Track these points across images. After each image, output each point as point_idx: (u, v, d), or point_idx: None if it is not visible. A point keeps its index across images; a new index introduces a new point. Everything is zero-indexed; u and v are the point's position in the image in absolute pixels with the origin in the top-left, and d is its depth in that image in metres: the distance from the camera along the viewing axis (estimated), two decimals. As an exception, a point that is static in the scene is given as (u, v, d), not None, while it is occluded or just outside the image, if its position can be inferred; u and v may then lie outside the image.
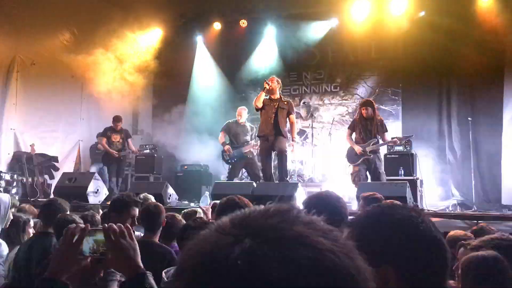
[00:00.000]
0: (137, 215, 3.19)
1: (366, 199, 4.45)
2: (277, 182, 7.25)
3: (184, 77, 11.28)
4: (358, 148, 7.10)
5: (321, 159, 9.44)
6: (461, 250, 2.32)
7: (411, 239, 1.07)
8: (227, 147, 8.07)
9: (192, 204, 7.61)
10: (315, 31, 10.48)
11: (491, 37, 8.70)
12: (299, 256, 0.54)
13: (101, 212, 4.84)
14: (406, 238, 1.07)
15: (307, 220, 0.61)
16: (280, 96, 7.36)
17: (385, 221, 1.11)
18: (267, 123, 7.21)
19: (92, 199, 7.45)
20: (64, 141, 10.27)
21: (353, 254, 0.59)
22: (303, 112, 10.19)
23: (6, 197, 3.64)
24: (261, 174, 7.65)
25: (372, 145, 7.08)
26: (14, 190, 8.60)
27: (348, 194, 7.38)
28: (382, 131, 7.19)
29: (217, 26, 11.22)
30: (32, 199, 7.86)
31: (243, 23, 10.96)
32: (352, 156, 7.25)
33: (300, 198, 5.95)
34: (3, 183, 8.54)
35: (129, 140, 9.19)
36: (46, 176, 9.34)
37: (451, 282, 2.32)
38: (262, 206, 0.64)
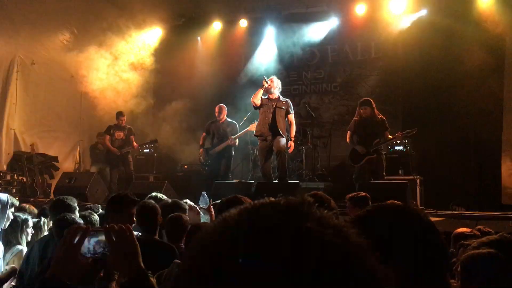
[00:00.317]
0: (135, 213, 3.19)
1: (352, 200, 4.42)
2: (276, 181, 7.25)
3: (183, 77, 11.26)
4: (361, 148, 7.08)
5: (321, 159, 9.45)
6: (461, 250, 2.32)
7: (411, 238, 1.08)
8: (201, 150, 8.28)
9: (192, 204, 7.60)
10: (315, 30, 10.48)
11: (491, 37, 8.70)
12: (309, 254, 0.52)
13: (100, 211, 4.84)
14: (405, 237, 1.07)
15: (318, 216, 0.58)
16: (278, 96, 7.36)
17: (385, 220, 1.11)
18: (265, 123, 7.21)
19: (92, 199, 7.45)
20: (64, 141, 10.27)
21: (365, 252, 0.57)
22: (303, 112, 10.18)
23: (4, 196, 3.64)
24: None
25: (374, 144, 7.04)
26: (14, 190, 8.60)
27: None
28: (383, 130, 7.13)
29: (216, 25, 11.21)
30: (32, 199, 7.86)
31: (243, 22, 10.96)
32: (355, 157, 7.22)
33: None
34: (3, 183, 8.53)
35: (132, 137, 9.15)
36: (46, 176, 9.34)
37: (452, 281, 2.32)
38: (271, 199, 0.61)
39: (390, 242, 1.05)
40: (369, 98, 7.45)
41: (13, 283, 3.38)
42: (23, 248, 3.79)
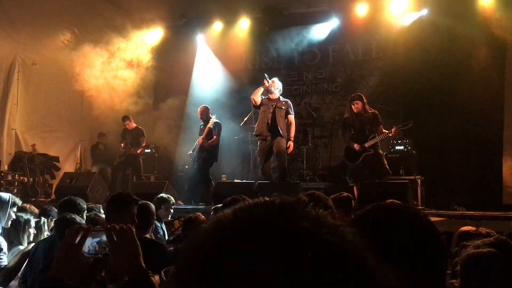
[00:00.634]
0: (136, 213, 3.18)
1: (335, 200, 4.33)
2: (276, 182, 7.24)
3: (184, 77, 11.28)
4: (356, 145, 6.95)
5: (322, 159, 9.45)
6: (463, 250, 2.32)
7: (410, 238, 1.08)
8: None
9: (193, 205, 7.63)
10: (316, 30, 10.48)
11: (492, 36, 8.68)
12: (304, 253, 0.52)
13: (102, 212, 4.85)
14: (404, 237, 1.08)
15: (314, 215, 0.57)
16: (278, 97, 7.36)
17: (384, 220, 1.12)
18: (264, 122, 7.22)
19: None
20: (65, 141, 10.29)
21: (362, 251, 0.56)
22: (304, 112, 10.18)
23: (6, 195, 3.65)
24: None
25: (370, 140, 6.91)
26: (15, 190, 8.62)
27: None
28: (377, 124, 6.98)
29: (217, 25, 11.22)
30: (33, 199, 7.88)
31: (244, 22, 10.96)
32: (351, 155, 7.10)
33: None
34: (4, 183, 8.55)
35: (141, 139, 9.19)
36: (47, 176, 9.36)
37: (453, 281, 2.32)
38: (266, 198, 0.60)
39: (389, 242, 1.05)
40: (359, 94, 7.35)
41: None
42: (24, 248, 3.79)
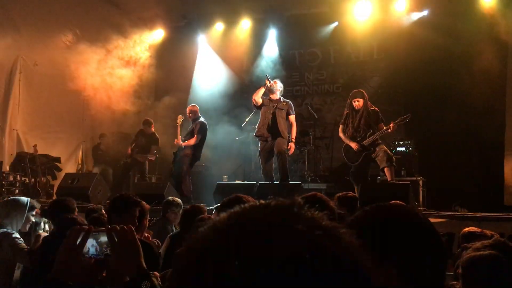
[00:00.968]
0: (137, 215, 3.19)
1: (340, 199, 4.36)
2: (277, 182, 7.24)
3: (185, 77, 11.30)
4: (354, 144, 6.84)
5: (324, 160, 9.45)
6: (464, 252, 2.32)
7: (409, 239, 1.08)
8: None
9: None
10: (317, 31, 10.48)
11: (494, 37, 8.68)
12: (298, 257, 0.52)
13: (103, 213, 4.86)
14: (403, 237, 1.07)
15: (309, 217, 0.58)
16: (279, 97, 7.36)
17: (382, 221, 1.11)
18: (265, 123, 7.22)
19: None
20: (66, 141, 10.30)
21: (358, 254, 0.56)
22: (305, 113, 10.18)
23: (24, 199, 3.71)
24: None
25: (368, 137, 6.78)
26: (16, 191, 8.63)
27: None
28: (377, 122, 6.83)
29: (219, 26, 11.23)
30: (35, 200, 7.87)
31: (245, 23, 10.97)
32: (351, 155, 7.01)
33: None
34: (6, 184, 8.56)
35: (153, 147, 9.19)
36: (49, 177, 9.37)
37: (454, 282, 2.32)
38: (262, 202, 0.61)
39: (388, 243, 1.05)
40: (360, 90, 7.18)
41: None
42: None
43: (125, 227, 1.36)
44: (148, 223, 3.54)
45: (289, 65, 10.85)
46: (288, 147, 7.22)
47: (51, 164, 9.46)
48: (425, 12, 9.39)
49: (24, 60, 9.43)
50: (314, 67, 10.90)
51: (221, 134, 9.59)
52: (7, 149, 9.13)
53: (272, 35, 10.92)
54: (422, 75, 9.16)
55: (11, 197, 4.04)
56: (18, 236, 3.60)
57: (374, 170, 7.59)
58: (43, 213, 4.59)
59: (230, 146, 9.56)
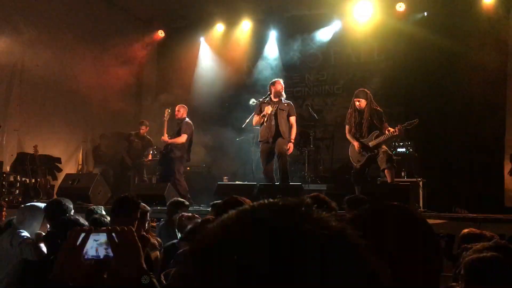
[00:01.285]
0: (137, 217, 3.21)
1: (349, 201, 4.36)
2: (278, 183, 7.24)
3: (186, 79, 11.30)
4: (357, 145, 6.82)
5: (324, 161, 9.44)
6: (465, 253, 2.32)
7: (404, 238, 1.07)
8: None
9: (194, 206, 7.62)
10: (317, 32, 10.48)
11: (494, 37, 8.69)
12: (307, 256, 0.52)
13: (103, 213, 4.86)
14: (398, 237, 1.07)
15: (317, 217, 0.58)
16: (280, 98, 7.35)
17: (380, 220, 1.12)
18: (268, 126, 7.21)
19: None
20: (67, 142, 10.30)
21: (365, 254, 0.56)
22: (305, 114, 10.17)
23: (41, 205, 3.76)
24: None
25: (374, 138, 6.75)
26: (17, 191, 8.64)
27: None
28: (380, 123, 6.77)
29: (219, 28, 11.23)
30: (35, 200, 7.88)
31: (246, 24, 10.98)
32: (356, 155, 6.98)
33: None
34: (6, 184, 8.56)
35: (149, 149, 9.24)
36: (49, 177, 9.36)
37: (454, 284, 2.32)
38: (270, 200, 0.61)
39: (382, 242, 1.05)
40: (364, 89, 7.08)
41: None
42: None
43: (125, 228, 1.36)
44: (148, 224, 3.54)
45: (289, 66, 10.85)
46: (287, 147, 7.21)
47: (51, 164, 9.46)
48: (425, 13, 9.39)
49: (25, 60, 9.43)
50: (314, 68, 10.90)
51: (222, 135, 9.60)
52: (8, 150, 9.13)
53: (272, 36, 10.93)
54: (422, 76, 9.17)
55: (28, 203, 4.07)
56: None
57: (375, 171, 7.59)
58: None
59: (231, 147, 9.56)
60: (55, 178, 9.43)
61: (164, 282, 2.20)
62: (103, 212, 4.56)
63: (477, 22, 8.80)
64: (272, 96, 7.34)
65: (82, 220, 3.30)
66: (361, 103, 6.82)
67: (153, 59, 11.04)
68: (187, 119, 8.32)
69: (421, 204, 7.16)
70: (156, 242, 4.23)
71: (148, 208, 3.76)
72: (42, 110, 9.71)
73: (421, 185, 7.45)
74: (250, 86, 10.70)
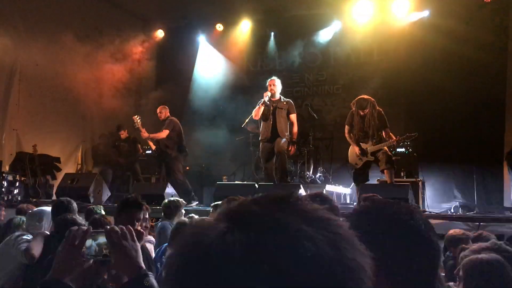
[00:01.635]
0: (142, 217, 3.23)
1: (364, 200, 4.39)
2: (277, 183, 7.23)
3: (186, 78, 11.31)
4: (357, 149, 6.81)
5: (323, 161, 9.45)
6: (463, 253, 2.32)
7: (397, 236, 1.07)
8: None
9: (194, 205, 7.62)
10: (317, 33, 10.48)
11: (494, 38, 8.69)
12: (291, 249, 0.52)
13: (103, 212, 4.86)
14: (391, 234, 1.07)
15: (304, 209, 0.58)
16: (279, 97, 7.34)
17: (374, 217, 1.11)
18: (267, 125, 7.20)
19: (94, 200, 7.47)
20: (66, 141, 10.29)
21: (352, 247, 0.56)
22: (305, 114, 10.17)
23: (49, 210, 3.77)
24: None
25: (374, 145, 6.77)
26: (16, 191, 8.63)
27: (350, 196, 7.35)
28: (382, 127, 6.76)
29: (219, 27, 11.23)
30: (34, 200, 7.88)
31: (245, 24, 10.98)
32: (354, 157, 6.99)
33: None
34: (5, 184, 8.56)
35: (138, 146, 9.29)
36: (48, 177, 9.36)
37: (451, 284, 2.32)
38: (259, 194, 0.61)
39: (374, 240, 1.04)
40: (366, 97, 6.93)
41: None
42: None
43: (124, 228, 1.36)
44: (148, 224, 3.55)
45: (289, 66, 10.86)
46: (289, 148, 7.19)
47: (50, 164, 9.45)
48: (425, 13, 9.39)
49: (25, 59, 9.42)
50: (314, 68, 10.90)
51: (221, 135, 9.60)
52: (7, 149, 9.12)
53: (272, 36, 10.93)
54: (422, 76, 9.17)
55: (36, 208, 4.09)
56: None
57: (374, 171, 7.59)
58: (19, 212, 4.64)
59: (230, 146, 9.56)
60: (54, 177, 9.43)
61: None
62: (103, 212, 4.57)
63: (477, 23, 8.81)
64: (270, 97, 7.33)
65: (80, 220, 3.30)
66: (366, 111, 6.72)
67: (153, 58, 11.02)
68: (170, 117, 8.34)
69: (420, 204, 7.17)
70: (153, 238, 4.27)
71: (149, 209, 3.76)
72: (41, 109, 9.70)
73: (421, 185, 7.46)
74: (250, 86, 10.70)
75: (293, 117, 7.28)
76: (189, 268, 0.55)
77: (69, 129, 10.32)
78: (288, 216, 0.56)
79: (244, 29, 11.04)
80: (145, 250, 3.26)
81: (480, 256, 1.96)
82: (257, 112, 7.16)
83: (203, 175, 9.92)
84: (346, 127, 7.06)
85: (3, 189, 8.37)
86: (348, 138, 7.03)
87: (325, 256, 0.53)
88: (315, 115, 9.56)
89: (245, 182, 8.64)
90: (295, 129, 7.29)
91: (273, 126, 7.14)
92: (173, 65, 11.20)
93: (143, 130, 8.09)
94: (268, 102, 7.20)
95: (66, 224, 3.04)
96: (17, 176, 8.81)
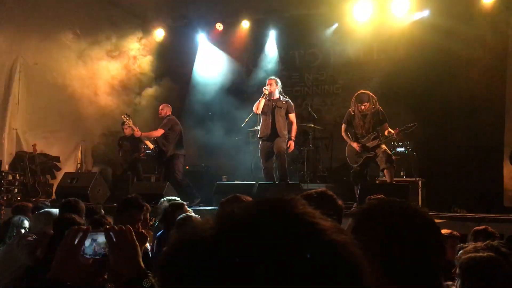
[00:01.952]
0: (142, 218, 3.24)
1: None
2: (277, 183, 7.23)
3: (185, 78, 11.30)
4: (356, 144, 6.80)
5: (323, 160, 9.45)
6: (461, 252, 2.32)
7: (409, 235, 1.07)
8: None
9: (195, 204, 7.62)
10: (317, 32, 10.48)
11: (494, 38, 8.69)
12: (287, 254, 0.52)
13: (102, 212, 4.87)
14: (403, 233, 1.07)
15: (301, 213, 0.58)
16: (279, 96, 7.34)
17: (378, 215, 1.11)
18: (267, 124, 7.21)
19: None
20: (66, 141, 10.29)
21: (348, 250, 0.56)
22: (305, 113, 10.17)
23: (55, 211, 3.77)
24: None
25: (372, 140, 6.75)
26: (16, 190, 8.63)
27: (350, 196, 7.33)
28: (381, 123, 6.76)
29: (219, 27, 11.22)
30: (33, 199, 7.88)
31: (245, 24, 10.97)
32: (352, 156, 6.99)
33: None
34: (5, 183, 8.56)
35: (140, 144, 9.26)
36: (48, 176, 9.37)
37: (449, 283, 2.32)
38: (258, 199, 0.62)
39: (377, 238, 1.04)
40: (366, 92, 7.00)
41: None
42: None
43: (123, 227, 1.36)
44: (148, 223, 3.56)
45: (289, 65, 10.86)
46: (288, 145, 7.19)
47: (50, 163, 9.46)
48: (425, 13, 9.39)
49: (24, 59, 9.42)
50: (314, 68, 10.90)
51: (220, 134, 9.60)
52: (6, 148, 9.12)
53: (272, 36, 10.92)
54: (422, 76, 9.17)
55: (43, 210, 4.09)
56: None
57: (374, 171, 7.59)
58: (15, 210, 4.64)
59: (230, 146, 9.56)
60: (54, 177, 9.43)
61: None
62: (102, 212, 4.57)
63: (477, 22, 8.80)
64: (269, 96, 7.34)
65: (78, 219, 3.30)
66: (366, 106, 6.75)
67: (152, 58, 11.01)
68: (170, 115, 8.31)
69: (420, 204, 7.16)
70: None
71: (149, 209, 3.76)
72: (41, 108, 9.70)
73: (420, 185, 7.46)
74: (249, 86, 10.70)
75: (292, 116, 7.29)
76: (174, 266, 0.56)
77: (68, 128, 10.31)
78: (281, 226, 0.56)
79: (244, 29, 11.03)
80: (144, 250, 3.26)
81: (477, 254, 1.96)
82: (257, 106, 7.18)
83: (202, 175, 9.91)
84: (343, 125, 7.09)
85: (2, 189, 8.37)
86: (344, 136, 7.04)
87: (332, 262, 0.54)
88: (314, 115, 9.55)
89: (244, 182, 8.64)
90: (294, 128, 7.30)
91: (272, 124, 7.15)
92: (173, 65, 11.19)
93: (136, 129, 8.07)
94: (268, 98, 7.21)
95: (65, 224, 3.03)
96: (17, 175, 8.82)
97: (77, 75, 9.75)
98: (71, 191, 7.15)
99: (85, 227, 1.35)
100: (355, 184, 7.02)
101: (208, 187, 8.49)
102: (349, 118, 7.02)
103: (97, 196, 7.76)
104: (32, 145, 8.97)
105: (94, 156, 10.37)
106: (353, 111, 6.95)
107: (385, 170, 6.72)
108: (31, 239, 3.54)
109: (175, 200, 5.17)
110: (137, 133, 8.06)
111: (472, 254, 1.99)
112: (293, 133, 7.28)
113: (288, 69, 10.83)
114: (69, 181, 8.12)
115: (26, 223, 4.04)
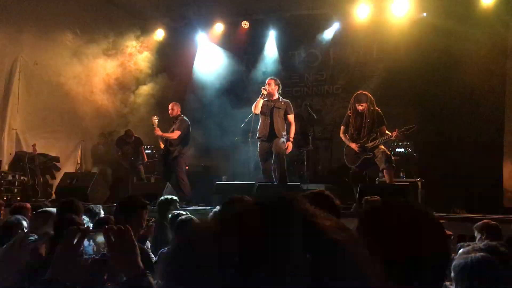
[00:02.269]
0: (144, 218, 3.24)
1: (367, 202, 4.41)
2: (276, 183, 7.22)
3: (185, 78, 11.30)
4: (354, 145, 6.80)
5: (323, 161, 9.45)
6: (460, 251, 2.33)
7: (413, 236, 1.07)
8: None
9: (191, 207, 7.62)
10: (317, 32, 10.48)
11: (493, 38, 8.69)
12: (288, 253, 0.53)
13: (102, 212, 4.86)
14: (408, 234, 1.07)
15: (299, 211, 0.59)
16: (278, 97, 7.33)
17: (382, 215, 1.11)
18: (266, 124, 7.20)
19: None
20: (65, 141, 10.28)
21: (348, 252, 0.56)
22: (304, 113, 10.17)
23: (54, 210, 3.78)
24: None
25: (371, 141, 6.76)
26: (15, 190, 8.63)
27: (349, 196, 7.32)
28: (380, 125, 6.76)
29: (219, 27, 11.22)
30: (33, 199, 7.88)
31: (245, 24, 10.97)
32: (351, 157, 6.97)
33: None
34: (4, 183, 8.56)
35: (141, 148, 9.30)
36: (48, 176, 9.36)
37: (447, 283, 2.32)
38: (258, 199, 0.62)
39: (384, 239, 1.04)
40: (365, 92, 7.02)
41: None
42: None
43: (122, 227, 1.36)
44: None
45: (288, 65, 10.85)
46: (286, 146, 7.18)
47: (50, 163, 9.45)
48: (424, 13, 9.39)
49: (24, 59, 9.41)
50: (313, 68, 10.90)
51: (220, 134, 9.59)
52: (6, 149, 9.11)
53: (272, 36, 10.92)
54: (421, 76, 9.18)
55: (41, 209, 4.08)
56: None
57: (373, 171, 7.59)
58: (13, 211, 4.64)
59: (229, 146, 9.55)
60: (53, 177, 9.43)
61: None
62: (101, 212, 4.56)
63: (477, 23, 8.80)
64: (268, 97, 7.33)
65: (78, 219, 3.30)
66: (363, 106, 6.74)
67: (152, 58, 11.01)
68: (182, 116, 8.30)
69: (419, 204, 7.15)
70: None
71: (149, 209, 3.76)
72: (40, 109, 9.69)
73: (420, 186, 7.45)
74: (249, 86, 10.70)
75: (291, 117, 7.28)
76: (176, 267, 0.56)
77: (68, 128, 10.30)
78: (282, 225, 0.56)
79: (244, 29, 11.03)
80: (144, 250, 3.26)
81: (471, 255, 1.96)
82: (256, 106, 7.17)
83: (202, 175, 9.90)
84: (342, 127, 7.11)
85: (2, 189, 8.37)
86: (343, 138, 7.06)
87: (331, 263, 0.54)
88: (314, 115, 9.55)
89: (244, 182, 8.63)
90: (293, 129, 7.28)
91: (270, 125, 7.14)
92: (172, 65, 11.19)
93: (157, 129, 8.06)
94: (266, 98, 7.21)
95: (64, 224, 3.03)
96: (16, 175, 8.81)
97: (77, 75, 9.75)
98: (71, 191, 7.15)
99: (84, 227, 1.35)
100: (354, 185, 7.00)
101: (208, 187, 8.48)
102: (347, 120, 7.03)
103: (97, 196, 7.76)
104: (32, 145, 8.96)
105: (94, 156, 10.36)
106: (351, 112, 6.96)
107: (384, 171, 6.71)
108: (33, 238, 3.54)
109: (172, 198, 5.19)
110: (158, 132, 8.05)
111: (464, 255, 2.00)
112: (292, 134, 7.26)
113: (288, 69, 10.83)
114: (68, 181, 8.12)
115: (25, 224, 4.03)
